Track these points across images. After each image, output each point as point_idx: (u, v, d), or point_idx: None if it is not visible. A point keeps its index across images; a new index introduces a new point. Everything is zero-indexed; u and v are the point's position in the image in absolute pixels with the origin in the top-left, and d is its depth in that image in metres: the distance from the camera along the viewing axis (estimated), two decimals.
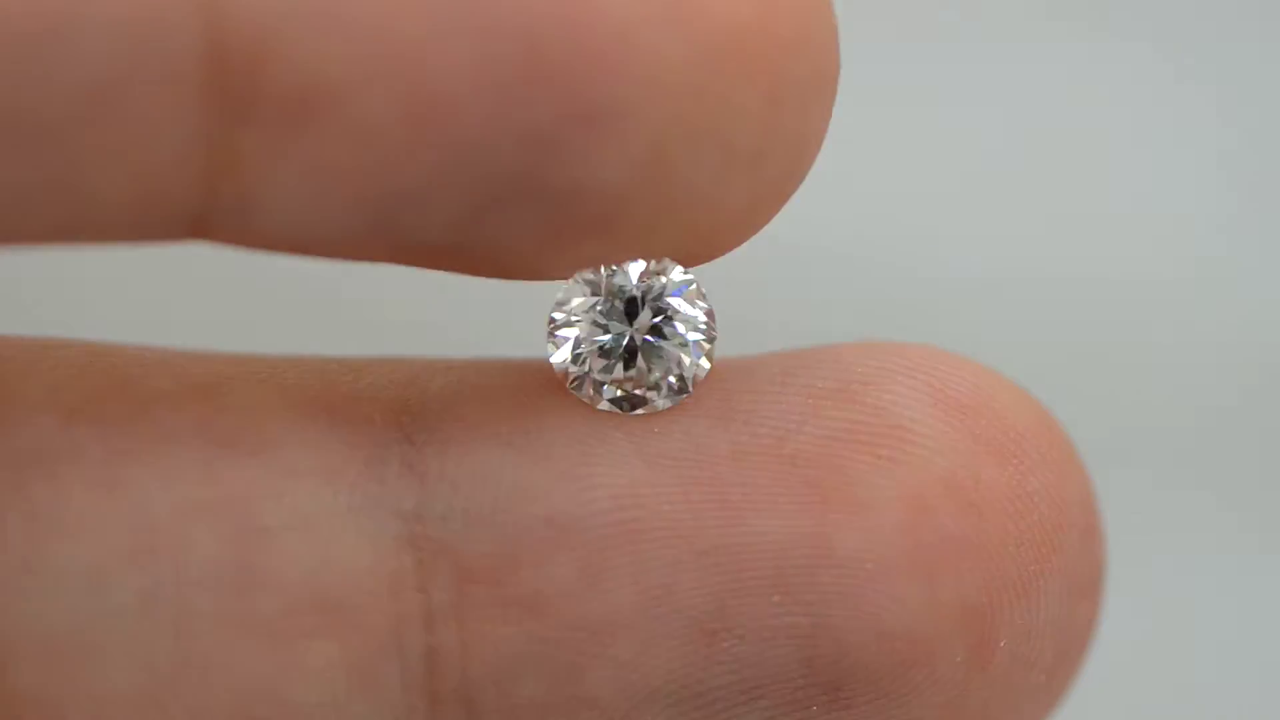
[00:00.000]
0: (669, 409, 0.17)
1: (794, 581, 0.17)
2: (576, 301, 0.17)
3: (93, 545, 0.16)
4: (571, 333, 0.17)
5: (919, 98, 0.29)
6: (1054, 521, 0.17)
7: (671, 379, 0.17)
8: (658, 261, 0.17)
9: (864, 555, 0.17)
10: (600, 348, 0.17)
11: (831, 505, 0.17)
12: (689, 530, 0.17)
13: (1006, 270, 0.29)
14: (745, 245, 0.17)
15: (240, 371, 0.17)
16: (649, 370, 0.17)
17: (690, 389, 0.17)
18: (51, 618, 0.16)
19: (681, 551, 0.17)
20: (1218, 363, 0.30)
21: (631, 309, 0.17)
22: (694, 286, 0.17)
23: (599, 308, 0.17)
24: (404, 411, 0.17)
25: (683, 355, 0.17)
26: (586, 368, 0.17)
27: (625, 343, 0.17)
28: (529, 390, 0.17)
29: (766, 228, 0.17)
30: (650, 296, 0.17)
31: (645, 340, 0.17)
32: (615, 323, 0.17)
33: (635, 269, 0.17)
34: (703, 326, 0.17)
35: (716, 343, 0.17)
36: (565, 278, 0.17)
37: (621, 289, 0.17)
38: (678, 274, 0.17)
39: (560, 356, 0.17)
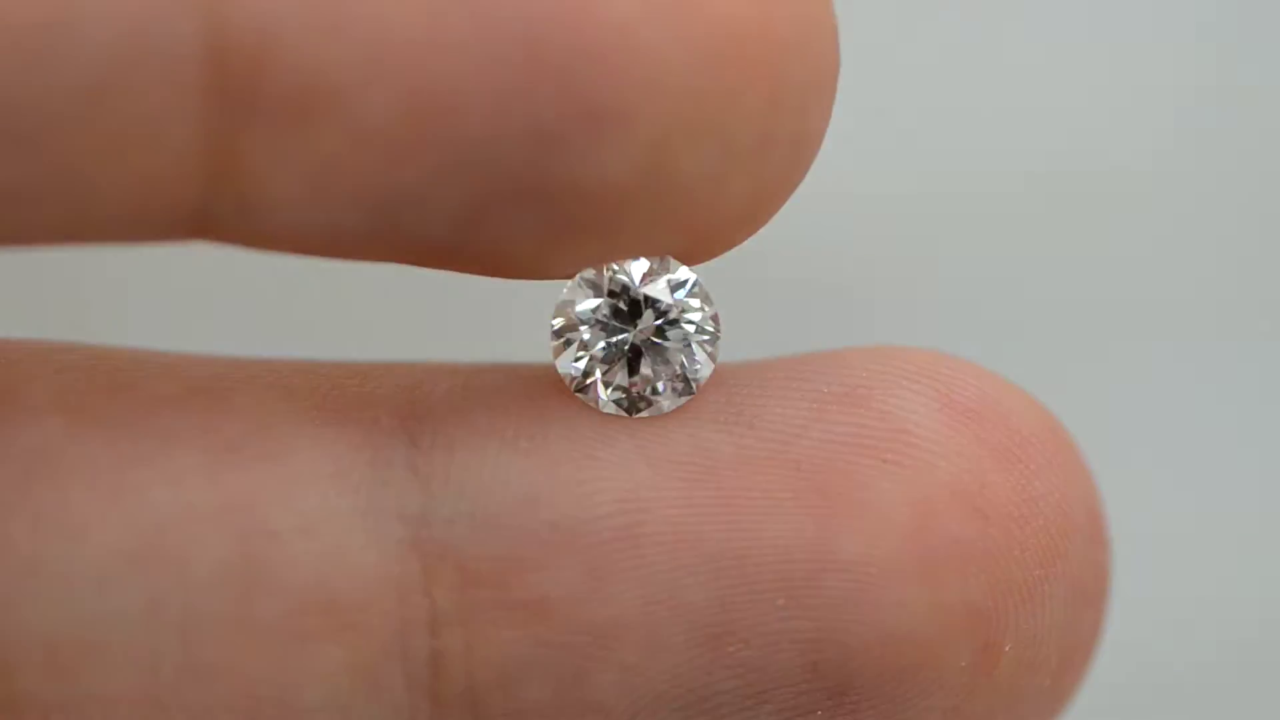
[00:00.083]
0: (674, 411, 0.17)
1: (799, 586, 0.17)
2: (580, 303, 0.17)
3: (98, 549, 0.16)
4: (575, 335, 0.17)
5: (919, 98, 0.29)
6: (1059, 526, 0.17)
7: (676, 380, 0.17)
8: (660, 261, 0.17)
9: (869, 560, 0.17)
10: (604, 350, 0.17)
11: (836, 510, 0.17)
12: (694, 534, 0.17)
13: (1010, 270, 0.29)
14: (746, 243, 0.17)
15: (245, 375, 0.17)
16: (653, 372, 0.17)
17: (694, 390, 0.17)
18: (56, 621, 0.16)
19: (686, 555, 0.17)
20: None
21: (635, 310, 0.17)
22: (697, 286, 0.17)
23: (602, 309, 0.17)
24: (409, 415, 0.17)
25: (686, 356, 0.17)
26: (590, 370, 0.17)
27: (629, 345, 0.17)
28: (533, 394, 0.17)
29: (767, 226, 0.17)
30: (653, 297, 0.17)
31: (649, 341, 0.17)
32: (619, 324, 0.17)
33: (638, 269, 0.17)
34: (707, 326, 0.17)
35: (720, 342, 0.17)
36: (567, 277, 0.17)
37: (625, 290, 0.17)
38: (681, 273, 0.17)
39: (564, 359, 0.17)
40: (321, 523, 0.17)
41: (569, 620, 0.17)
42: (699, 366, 0.17)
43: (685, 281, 0.17)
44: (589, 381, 0.17)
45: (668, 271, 0.17)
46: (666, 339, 0.17)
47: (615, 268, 0.17)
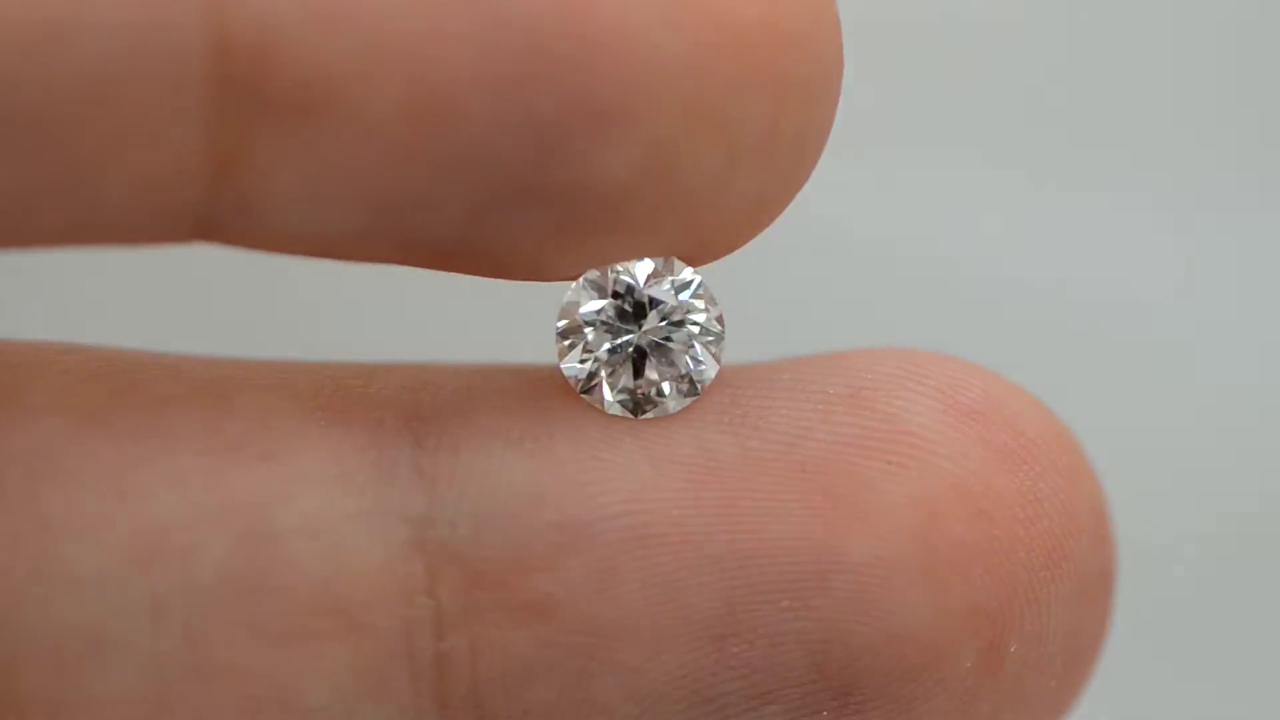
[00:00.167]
0: (679, 412, 0.17)
1: (804, 586, 0.17)
2: (584, 305, 0.17)
3: (102, 550, 0.16)
4: (580, 336, 0.17)
5: (922, 96, 0.29)
6: (1064, 527, 0.17)
7: (680, 381, 0.17)
8: (665, 262, 0.17)
9: (874, 561, 0.17)
10: (609, 351, 0.17)
11: (841, 511, 0.17)
12: (698, 535, 0.17)
13: (1016, 271, 0.29)
14: (750, 243, 0.17)
15: (249, 376, 0.17)
16: (658, 373, 0.17)
17: (699, 391, 0.17)
18: (61, 622, 0.16)
19: (691, 556, 0.17)
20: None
21: (639, 311, 0.17)
22: (702, 287, 0.17)
23: (607, 311, 0.17)
24: (414, 416, 0.17)
25: (691, 357, 0.17)
26: (595, 372, 0.17)
27: (634, 346, 0.17)
28: (538, 395, 0.17)
29: (770, 226, 0.17)
30: (658, 299, 0.17)
31: (654, 343, 0.17)
32: (623, 326, 0.17)
33: (643, 270, 0.17)
34: (712, 328, 0.17)
35: (724, 343, 0.17)
36: (571, 278, 0.17)
37: (629, 291, 0.17)
38: (685, 274, 0.17)
39: (569, 361, 0.17)
40: (326, 524, 0.17)
41: (574, 621, 0.17)
42: (704, 368, 0.17)
43: (690, 283, 0.17)
44: (594, 383, 0.17)
45: (672, 273, 0.17)
46: (671, 340, 0.17)
47: (620, 269, 0.17)
